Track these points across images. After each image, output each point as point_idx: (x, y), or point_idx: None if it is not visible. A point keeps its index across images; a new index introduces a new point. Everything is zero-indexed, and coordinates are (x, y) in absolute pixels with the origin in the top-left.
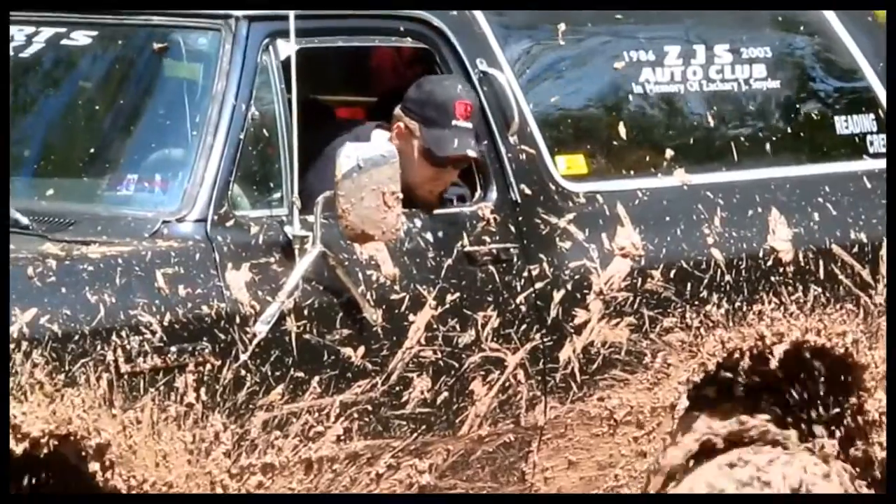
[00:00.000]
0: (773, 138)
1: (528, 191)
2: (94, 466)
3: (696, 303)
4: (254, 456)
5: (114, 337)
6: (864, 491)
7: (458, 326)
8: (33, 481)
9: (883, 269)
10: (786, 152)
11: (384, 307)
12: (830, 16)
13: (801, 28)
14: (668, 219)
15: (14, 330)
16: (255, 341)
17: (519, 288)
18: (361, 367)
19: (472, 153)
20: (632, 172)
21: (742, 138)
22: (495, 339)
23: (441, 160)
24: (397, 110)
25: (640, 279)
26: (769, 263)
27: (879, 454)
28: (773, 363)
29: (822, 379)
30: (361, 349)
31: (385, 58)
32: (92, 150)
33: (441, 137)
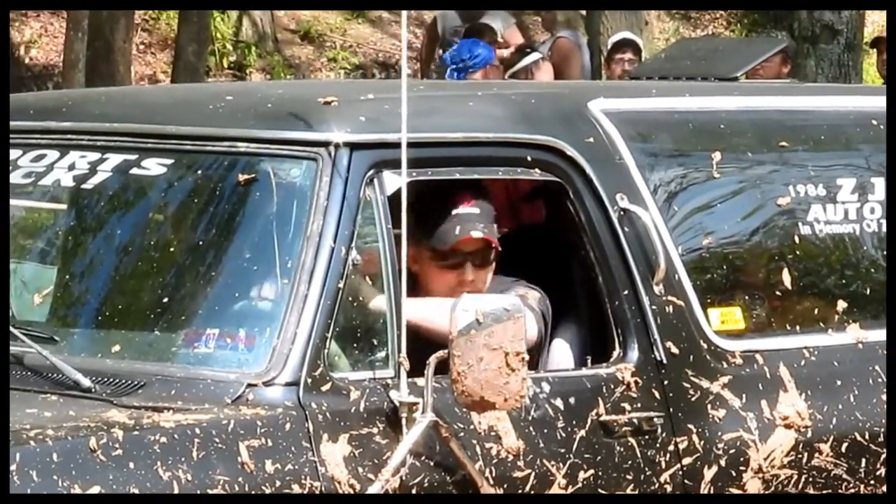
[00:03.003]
0: None
1: (674, 349)
2: None
3: (873, 482)
4: None
5: None
6: None
7: None
8: None
9: None
10: None
11: (506, 486)
12: None
13: None
14: (839, 383)
15: None
16: None
17: (664, 464)
18: None
19: (476, 234)
20: (797, 328)
21: None
22: None
23: (445, 253)
24: None
25: (805, 454)
26: None
27: None
28: None
29: None
30: None
31: (496, 189)
32: (165, 299)
33: (442, 231)
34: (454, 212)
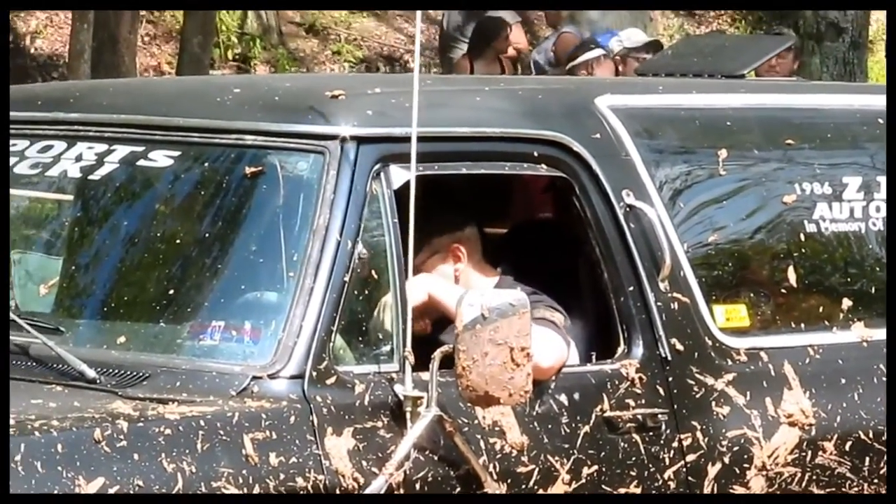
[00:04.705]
0: None
1: (679, 346)
2: None
3: (876, 481)
4: None
5: None
6: None
7: None
8: None
9: None
10: None
11: (509, 481)
12: None
13: None
14: (843, 381)
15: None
16: None
17: (667, 460)
18: None
19: None
20: (802, 326)
21: None
22: None
23: None
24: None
25: (809, 452)
26: None
27: None
28: None
29: None
30: None
31: (518, 182)
32: (171, 291)
33: None
34: None
